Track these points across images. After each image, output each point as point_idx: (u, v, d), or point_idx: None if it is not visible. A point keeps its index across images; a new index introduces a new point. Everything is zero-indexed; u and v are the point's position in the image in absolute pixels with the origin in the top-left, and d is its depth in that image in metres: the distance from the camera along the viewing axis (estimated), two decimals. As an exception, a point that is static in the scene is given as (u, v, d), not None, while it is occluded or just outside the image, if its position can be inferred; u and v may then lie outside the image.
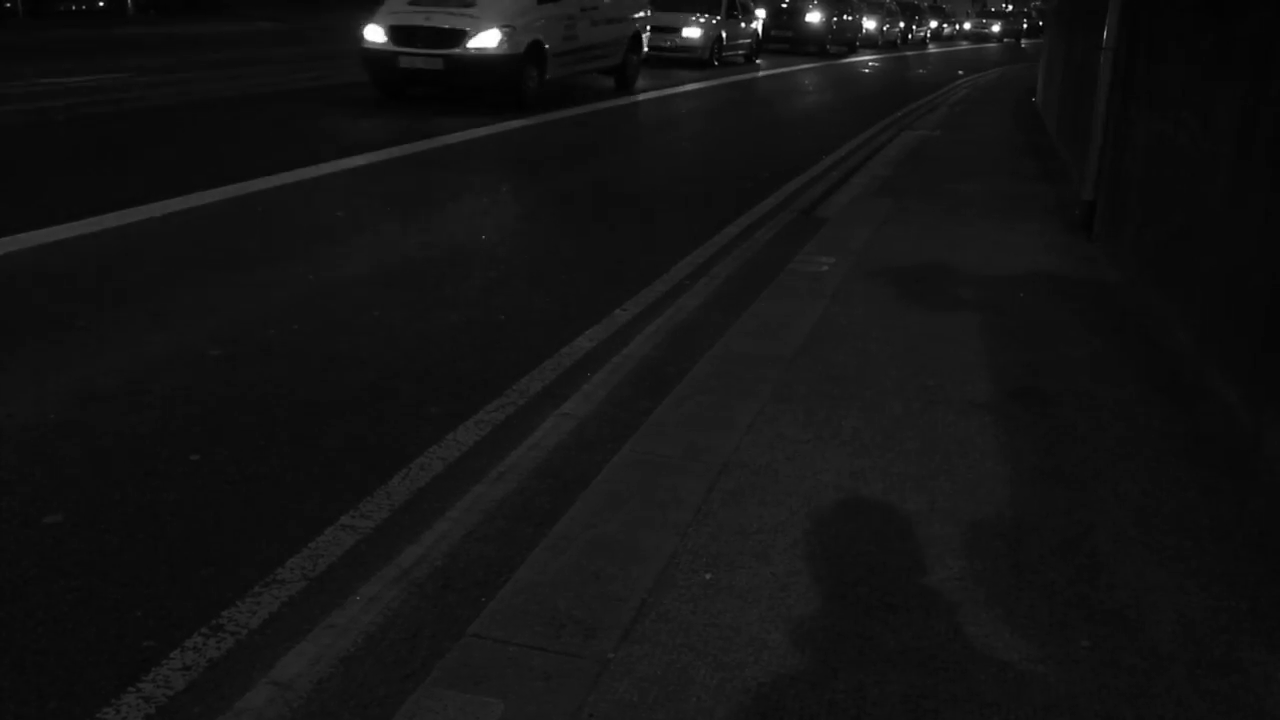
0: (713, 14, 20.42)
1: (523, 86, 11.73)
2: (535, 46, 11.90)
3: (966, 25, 45.79)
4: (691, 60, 19.70)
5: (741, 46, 22.13)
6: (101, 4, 27.14)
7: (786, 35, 25.18)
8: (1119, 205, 5.92)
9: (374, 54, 11.72)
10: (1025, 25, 43.74)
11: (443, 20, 11.52)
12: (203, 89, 13.12)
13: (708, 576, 2.68)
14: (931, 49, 35.88)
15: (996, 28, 43.43)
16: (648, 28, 15.60)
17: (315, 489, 3.26)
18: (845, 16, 26.21)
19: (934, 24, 40.93)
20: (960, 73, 23.65)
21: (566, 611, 2.51)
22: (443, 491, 3.26)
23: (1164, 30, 5.23)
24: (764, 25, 24.00)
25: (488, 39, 11.38)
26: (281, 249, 5.95)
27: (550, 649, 2.37)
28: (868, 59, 26.79)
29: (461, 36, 11.39)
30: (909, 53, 32.96)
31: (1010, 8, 52.64)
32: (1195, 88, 4.50)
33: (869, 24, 30.68)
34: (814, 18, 25.53)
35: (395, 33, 11.57)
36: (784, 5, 25.15)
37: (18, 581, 2.72)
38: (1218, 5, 4.30)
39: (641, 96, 14.76)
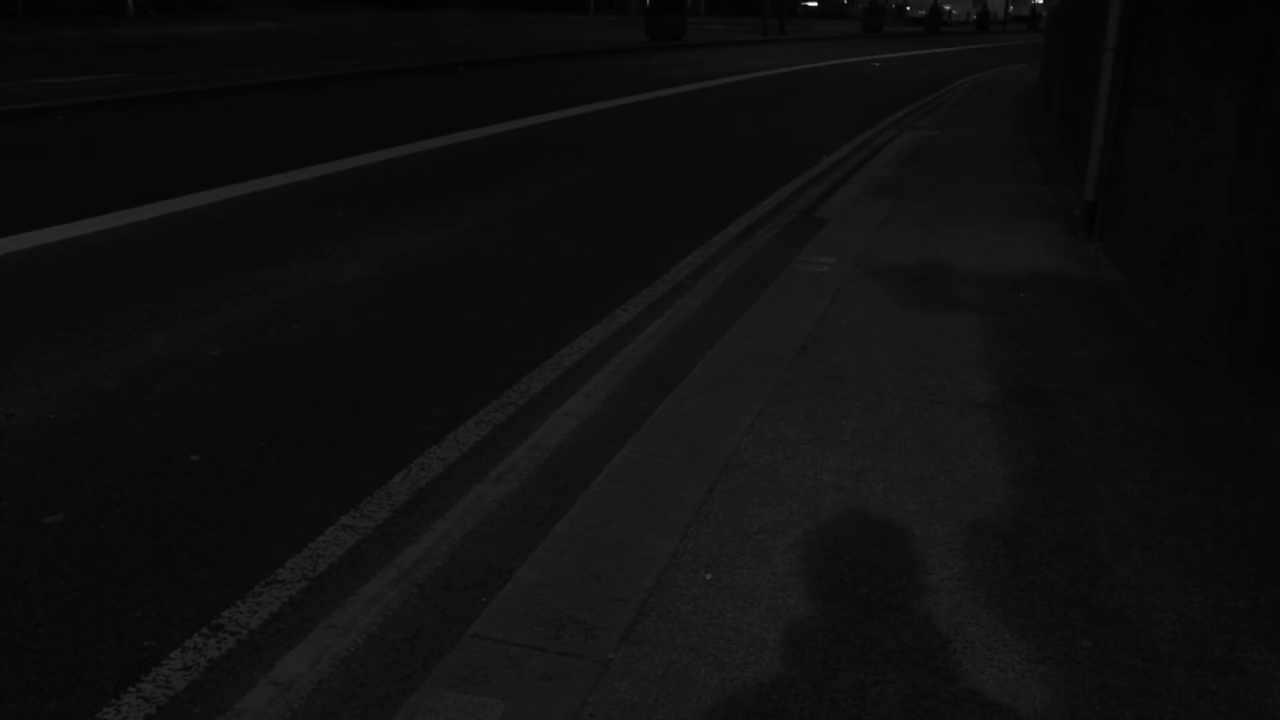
0: None
1: None
2: None
3: None
4: None
5: None
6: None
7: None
8: (1120, 205, 5.92)
9: None
10: None
11: None
12: (202, 88, 13.12)
13: (708, 577, 2.68)
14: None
15: None
16: None
17: (315, 489, 3.26)
18: None
19: None
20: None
21: (567, 612, 2.51)
22: (443, 491, 3.26)
23: (1164, 29, 5.23)
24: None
25: None
26: (282, 249, 5.95)
27: (550, 649, 2.37)
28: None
29: None
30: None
31: None
32: (1196, 87, 4.50)
33: None
34: None
35: None
36: None
37: (18, 581, 2.72)
38: (1218, 5, 4.30)
39: (642, 96, 14.77)
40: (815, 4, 55.19)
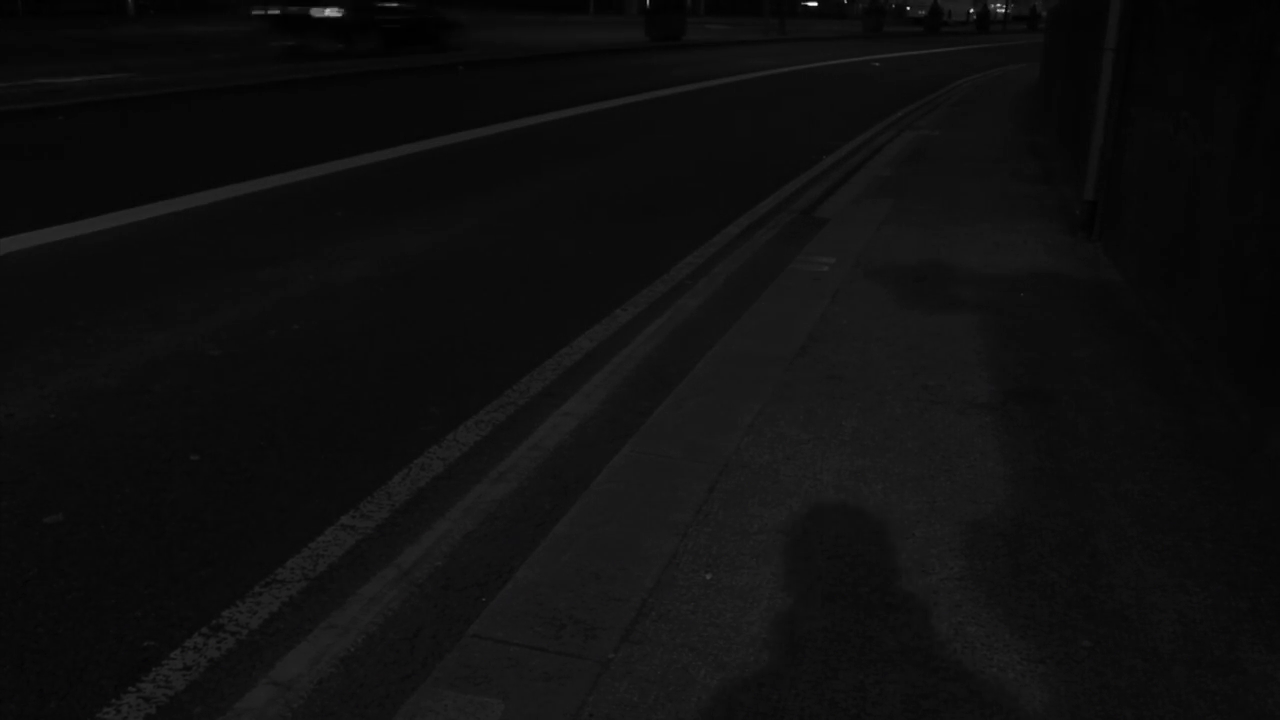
0: None
1: None
2: None
3: None
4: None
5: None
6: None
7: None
8: (1120, 205, 5.92)
9: None
10: None
11: None
12: (202, 88, 13.12)
13: (708, 576, 2.68)
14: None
15: None
16: None
17: (315, 489, 3.26)
18: None
19: None
20: None
21: (567, 612, 2.51)
22: (443, 491, 3.26)
23: (1164, 29, 5.22)
24: None
25: None
26: (282, 249, 5.95)
27: (550, 649, 2.37)
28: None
29: None
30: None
31: None
32: (1196, 87, 4.50)
33: None
34: None
35: None
36: None
37: (18, 581, 2.72)
38: (1218, 5, 4.30)
39: (642, 96, 14.77)
40: (815, 4, 55.39)
